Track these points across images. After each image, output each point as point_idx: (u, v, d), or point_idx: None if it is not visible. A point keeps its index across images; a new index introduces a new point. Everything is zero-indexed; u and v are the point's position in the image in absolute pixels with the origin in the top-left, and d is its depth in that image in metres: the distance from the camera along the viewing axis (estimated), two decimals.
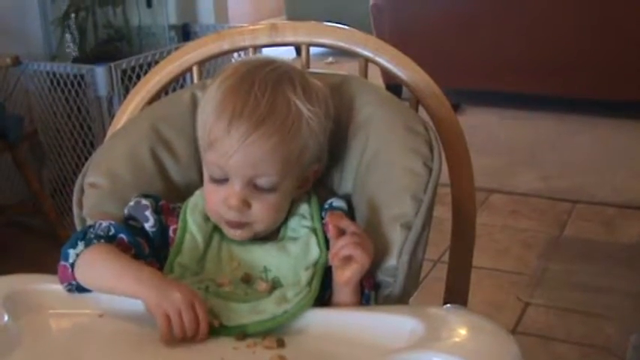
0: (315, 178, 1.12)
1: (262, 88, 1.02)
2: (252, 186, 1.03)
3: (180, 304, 0.93)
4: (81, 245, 1.01)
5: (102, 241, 1.02)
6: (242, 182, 1.03)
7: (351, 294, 1.01)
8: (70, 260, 1.01)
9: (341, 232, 1.00)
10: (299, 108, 1.03)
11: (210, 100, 1.05)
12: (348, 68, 1.41)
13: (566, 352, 2.18)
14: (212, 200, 1.06)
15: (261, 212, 1.04)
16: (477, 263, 1.30)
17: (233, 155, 1.01)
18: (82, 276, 1.00)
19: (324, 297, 1.03)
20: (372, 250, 1.00)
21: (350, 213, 1.10)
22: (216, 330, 0.96)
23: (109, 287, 0.99)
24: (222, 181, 1.04)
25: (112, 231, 1.04)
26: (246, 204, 1.03)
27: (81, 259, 1.00)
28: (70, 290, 1.02)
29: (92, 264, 1.00)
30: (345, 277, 0.99)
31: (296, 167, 1.05)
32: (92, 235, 1.03)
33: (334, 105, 1.16)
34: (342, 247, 0.98)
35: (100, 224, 1.05)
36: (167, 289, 0.94)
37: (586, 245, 2.84)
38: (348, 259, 0.98)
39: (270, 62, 1.07)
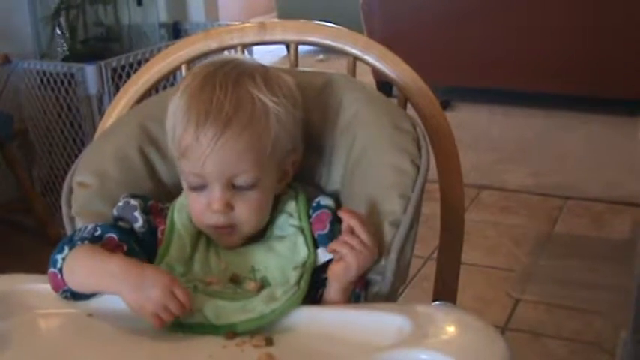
0: (295, 169, 1.11)
1: (223, 88, 1.01)
2: (232, 187, 1.03)
3: (161, 299, 0.93)
4: (67, 249, 1.01)
5: (86, 242, 1.01)
6: (221, 185, 1.02)
7: (338, 292, 1.01)
8: (58, 266, 1.00)
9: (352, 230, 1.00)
10: (263, 102, 1.02)
11: (174, 109, 1.04)
12: (338, 66, 1.41)
13: (557, 347, 2.19)
14: (196, 209, 1.06)
15: (245, 212, 1.04)
16: (467, 260, 1.31)
17: (206, 161, 1.01)
18: (69, 279, 1.00)
19: (315, 296, 1.03)
20: (366, 256, 0.99)
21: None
22: (206, 328, 0.96)
23: (93, 287, 0.99)
24: (201, 187, 1.04)
25: (98, 231, 1.04)
26: (229, 207, 1.03)
27: (66, 263, 1.00)
28: (66, 297, 1.01)
29: (75, 266, 0.99)
30: (331, 271, 1.00)
31: (271, 161, 1.05)
32: (77, 238, 1.02)
33: (322, 103, 1.17)
34: (336, 242, 1.00)
35: (86, 227, 1.05)
36: (144, 286, 0.94)
37: (576, 241, 2.85)
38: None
39: (229, 61, 1.07)
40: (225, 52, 1.37)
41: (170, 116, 1.05)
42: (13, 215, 3.06)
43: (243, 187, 1.03)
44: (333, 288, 1.01)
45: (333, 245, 1.00)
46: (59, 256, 1.00)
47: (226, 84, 1.02)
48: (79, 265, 0.99)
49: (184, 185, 1.07)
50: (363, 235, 0.99)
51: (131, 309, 0.95)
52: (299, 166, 1.12)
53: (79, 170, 1.19)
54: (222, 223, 1.04)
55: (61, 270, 1.00)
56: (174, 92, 1.08)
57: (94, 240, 1.02)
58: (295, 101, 1.08)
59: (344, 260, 0.99)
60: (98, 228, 1.04)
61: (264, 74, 1.06)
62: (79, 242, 1.01)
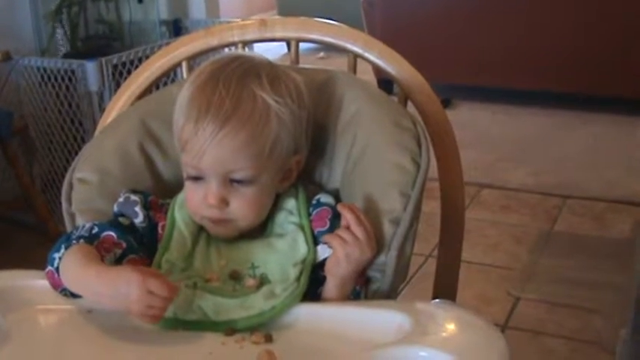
0: (299, 169, 1.11)
1: (227, 85, 1.02)
2: (229, 182, 1.03)
3: (140, 300, 0.91)
4: (63, 249, 1.00)
5: (81, 241, 1.00)
6: (218, 180, 1.03)
7: (333, 287, 1.01)
8: (55, 265, 0.99)
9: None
10: (265, 101, 1.03)
11: (179, 103, 1.05)
12: (339, 63, 1.41)
13: (557, 346, 2.19)
14: (192, 200, 1.06)
15: (240, 208, 1.04)
16: (467, 258, 1.31)
17: (203, 155, 1.01)
18: (64, 280, 0.99)
19: (314, 294, 1.03)
20: (357, 250, 1.00)
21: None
22: (205, 325, 0.96)
23: (81, 293, 0.99)
24: (199, 178, 1.04)
25: (95, 230, 1.03)
26: (224, 202, 1.03)
27: (61, 264, 0.99)
28: (65, 295, 1.00)
29: (67, 268, 0.98)
30: (326, 266, 1.01)
31: (271, 160, 1.05)
32: (74, 237, 1.01)
33: (323, 100, 1.17)
34: (329, 234, 1.01)
35: (84, 226, 1.04)
36: (119, 292, 0.92)
37: (577, 240, 2.85)
38: None
39: (237, 58, 1.07)
40: (226, 50, 1.37)
41: (176, 109, 1.07)
42: (13, 212, 3.05)
43: (241, 181, 1.03)
44: (329, 283, 1.02)
45: (326, 237, 1.02)
46: (56, 255, 1.00)
47: (230, 81, 1.02)
48: (69, 269, 0.98)
49: (184, 175, 1.08)
50: (357, 230, 1.00)
51: (122, 312, 0.94)
52: (303, 166, 1.12)
53: (79, 166, 1.19)
54: (218, 216, 1.05)
55: (57, 269, 0.99)
56: (179, 87, 1.08)
57: (91, 238, 1.01)
58: (302, 102, 1.08)
59: (334, 254, 1.00)
60: (95, 226, 1.04)
61: (272, 73, 1.06)
62: (74, 241, 1.00)
